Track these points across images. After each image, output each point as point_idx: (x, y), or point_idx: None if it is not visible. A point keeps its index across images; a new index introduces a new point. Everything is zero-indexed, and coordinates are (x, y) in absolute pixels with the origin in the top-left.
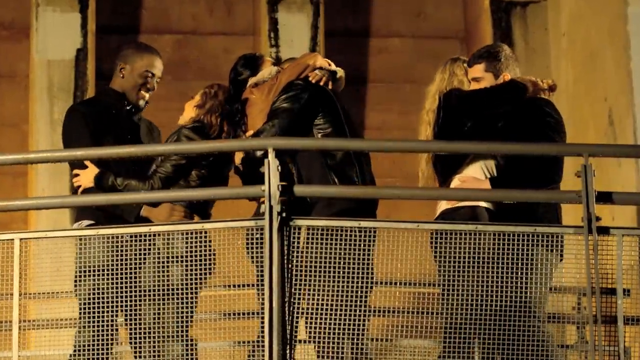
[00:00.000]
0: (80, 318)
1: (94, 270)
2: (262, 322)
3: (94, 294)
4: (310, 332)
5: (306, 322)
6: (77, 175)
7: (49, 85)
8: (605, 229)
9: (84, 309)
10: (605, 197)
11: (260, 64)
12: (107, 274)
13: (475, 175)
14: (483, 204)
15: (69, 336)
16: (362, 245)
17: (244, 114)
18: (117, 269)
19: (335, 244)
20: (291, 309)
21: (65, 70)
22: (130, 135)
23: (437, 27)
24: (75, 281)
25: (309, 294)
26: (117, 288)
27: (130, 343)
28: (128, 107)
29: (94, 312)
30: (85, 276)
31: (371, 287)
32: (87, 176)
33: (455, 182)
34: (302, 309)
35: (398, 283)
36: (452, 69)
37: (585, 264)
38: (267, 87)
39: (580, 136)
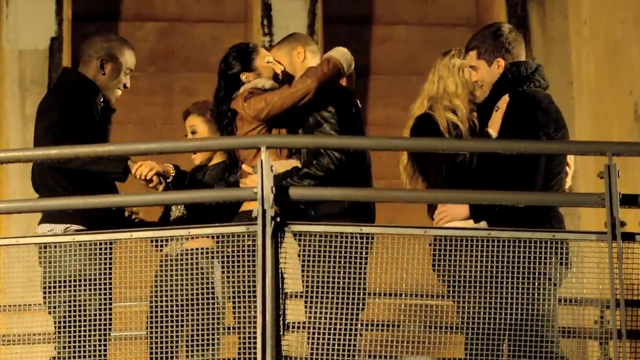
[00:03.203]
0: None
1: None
2: (244, 339)
3: (86, 308)
4: (308, 348)
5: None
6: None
7: (20, 78)
8: (631, 235)
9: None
10: (630, 200)
11: (254, 57)
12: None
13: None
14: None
15: (42, 352)
16: (362, 252)
17: (234, 124)
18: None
19: (335, 251)
20: (285, 322)
21: (39, 61)
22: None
23: (446, 14)
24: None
25: (306, 307)
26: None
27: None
28: (111, 107)
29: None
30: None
31: (364, 300)
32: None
33: (437, 215)
34: (299, 323)
35: (402, 294)
36: (439, 71)
37: (608, 273)
38: (258, 109)
39: (603, 133)
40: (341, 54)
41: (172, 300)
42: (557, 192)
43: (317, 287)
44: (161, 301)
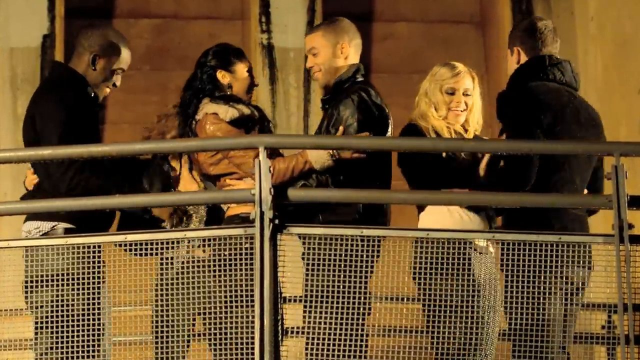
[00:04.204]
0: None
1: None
2: (241, 344)
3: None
4: (310, 355)
5: (306, 345)
6: None
7: (11, 76)
8: (639, 238)
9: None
10: (638, 202)
11: (235, 61)
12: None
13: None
14: None
15: (34, 358)
16: (365, 255)
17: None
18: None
19: (336, 254)
20: (284, 327)
21: (30, 59)
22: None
23: (448, 10)
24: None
25: (308, 312)
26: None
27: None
28: (98, 102)
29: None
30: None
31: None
32: None
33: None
34: (299, 328)
35: (405, 299)
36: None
37: (616, 277)
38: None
39: (611, 133)
40: (318, 159)
41: (186, 307)
42: (564, 194)
43: (321, 291)
44: (172, 308)
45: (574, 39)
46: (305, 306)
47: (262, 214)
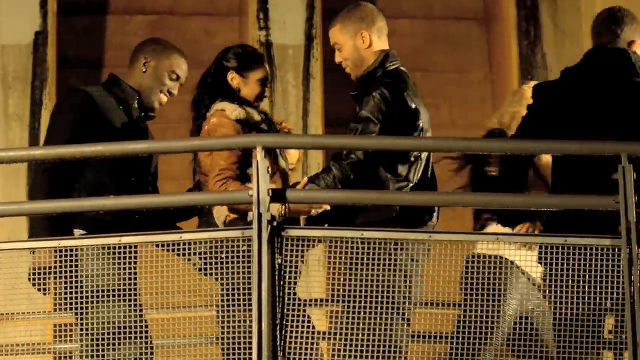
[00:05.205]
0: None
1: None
2: (239, 349)
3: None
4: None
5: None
6: None
7: (3, 75)
8: None
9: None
10: None
11: (253, 67)
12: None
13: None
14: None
15: None
16: (376, 258)
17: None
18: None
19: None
20: (283, 332)
21: (22, 57)
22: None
23: (452, 7)
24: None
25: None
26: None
27: None
28: (140, 109)
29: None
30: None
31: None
32: None
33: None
34: (300, 333)
35: (440, 304)
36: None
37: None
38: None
39: None
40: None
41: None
42: (571, 195)
43: (353, 293)
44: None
45: (581, 36)
46: (344, 309)
47: (260, 215)
